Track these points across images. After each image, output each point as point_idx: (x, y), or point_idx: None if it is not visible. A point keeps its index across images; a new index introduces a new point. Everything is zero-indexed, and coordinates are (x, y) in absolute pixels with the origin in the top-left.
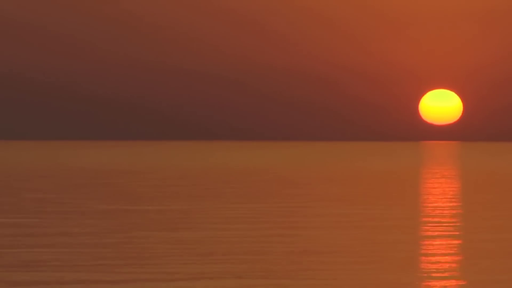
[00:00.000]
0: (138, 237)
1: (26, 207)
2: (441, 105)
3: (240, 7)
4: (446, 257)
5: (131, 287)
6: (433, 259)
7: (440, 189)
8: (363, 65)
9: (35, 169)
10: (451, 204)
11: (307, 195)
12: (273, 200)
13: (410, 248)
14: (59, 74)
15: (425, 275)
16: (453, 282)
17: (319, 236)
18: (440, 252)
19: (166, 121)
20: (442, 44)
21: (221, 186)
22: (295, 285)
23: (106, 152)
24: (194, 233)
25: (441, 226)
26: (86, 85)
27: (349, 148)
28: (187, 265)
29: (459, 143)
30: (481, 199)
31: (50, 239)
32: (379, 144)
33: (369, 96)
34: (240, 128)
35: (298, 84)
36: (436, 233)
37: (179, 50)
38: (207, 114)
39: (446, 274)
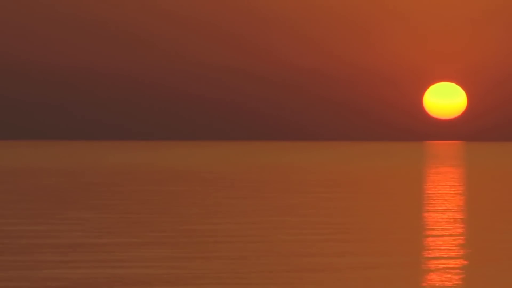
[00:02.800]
0: None
1: None
2: (445, 97)
3: (267, 9)
4: (450, 258)
5: None
6: (437, 259)
7: (449, 189)
8: (367, 62)
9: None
10: (458, 204)
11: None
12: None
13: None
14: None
15: (429, 275)
16: (456, 282)
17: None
18: (444, 253)
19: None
20: (444, 41)
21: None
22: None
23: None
24: None
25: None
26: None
27: (354, 148)
28: None
29: (466, 143)
30: (489, 199)
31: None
32: (383, 144)
33: (374, 91)
34: (240, 128)
35: (300, 82)
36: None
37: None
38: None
39: (449, 275)
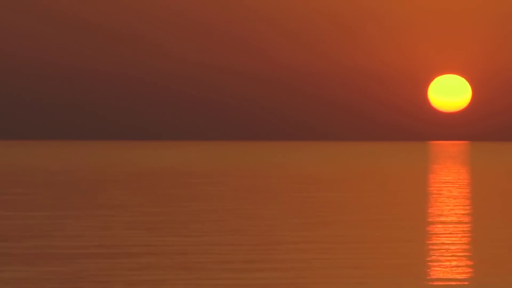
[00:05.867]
0: None
1: None
2: (450, 90)
3: (268, 12)
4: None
5: None
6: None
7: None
8: (367, 64)
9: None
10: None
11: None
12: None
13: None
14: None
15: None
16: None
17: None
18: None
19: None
20: (443, 39)
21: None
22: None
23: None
24: None
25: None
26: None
27: (361, 148)
28: None
29: (471, 143)
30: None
31: None
32: (388, 144)
33: (375, 92)
34: (244, 128)
35: (304, 83)
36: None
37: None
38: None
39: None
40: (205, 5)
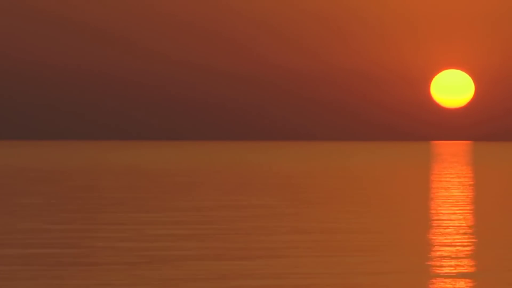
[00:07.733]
0: None
1: None
2: (452, 85)
3: (264, 16)
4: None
5: None
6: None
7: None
8: (367, 64)
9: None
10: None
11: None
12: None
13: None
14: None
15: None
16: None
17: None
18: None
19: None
20: (443, 37)
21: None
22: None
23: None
24: None
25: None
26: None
27: (366, 148)
28: None
29: (474, 143)
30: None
31: None
32: (390, 144)
33: (374, 93)
34: (246, 128)
35: (305, 85)
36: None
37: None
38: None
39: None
40: (195, 6)
